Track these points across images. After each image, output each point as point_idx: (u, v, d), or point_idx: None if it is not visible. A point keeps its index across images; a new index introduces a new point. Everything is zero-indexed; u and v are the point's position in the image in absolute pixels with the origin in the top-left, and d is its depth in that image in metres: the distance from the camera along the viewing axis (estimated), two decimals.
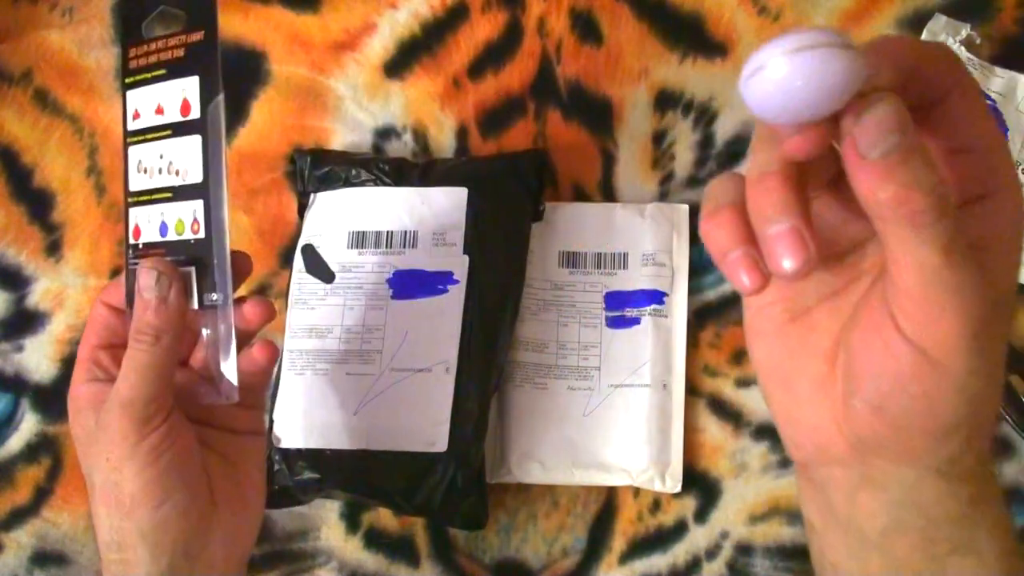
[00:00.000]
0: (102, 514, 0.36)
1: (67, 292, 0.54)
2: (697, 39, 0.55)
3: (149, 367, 0.36)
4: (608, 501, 0.50)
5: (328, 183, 0.52)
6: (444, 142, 0.55)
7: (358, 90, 0.55)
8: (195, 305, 0.37)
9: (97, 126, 0.56)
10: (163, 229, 0.38)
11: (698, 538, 0.49)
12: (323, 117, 0.55)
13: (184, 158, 0.37)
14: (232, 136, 0.55)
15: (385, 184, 0.51)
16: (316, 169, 0.52)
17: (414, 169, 0.51)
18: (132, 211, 0.39)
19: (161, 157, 0.38)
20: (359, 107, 0.55)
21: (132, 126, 0.39)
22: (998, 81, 0.51)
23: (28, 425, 0.52)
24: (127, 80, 0.39)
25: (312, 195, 0.52)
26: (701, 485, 0.50)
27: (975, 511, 0.26)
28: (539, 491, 0.50)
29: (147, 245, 0.38)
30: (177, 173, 0.38)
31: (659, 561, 0.49)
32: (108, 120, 0.56)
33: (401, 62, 0.55)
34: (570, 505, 0.50)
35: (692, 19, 0.55)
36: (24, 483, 0.52)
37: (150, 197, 0.38)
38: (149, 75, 0.38)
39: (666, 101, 0.54)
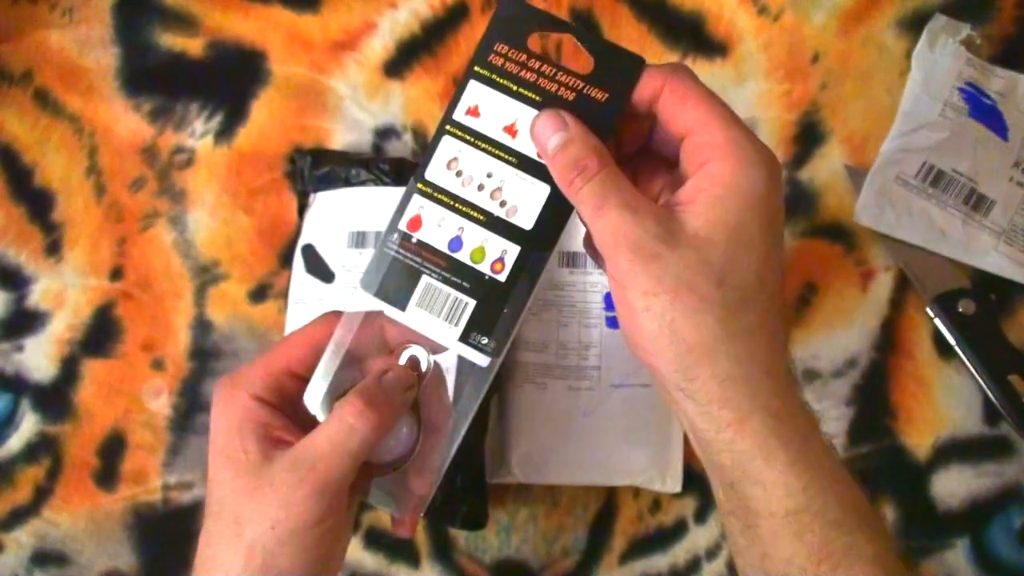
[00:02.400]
0: (229, 557, 0.34)
1: (67, 292, 0.54)
2: (697, 39, 0.55)
3: (359, 451, 0.33)
4: (608, 501, 0.50)
5: (328, 183, 0.52)
6: None
7: (358, 90, 0.55)
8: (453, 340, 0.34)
9: (97, 126, 0.56)
10: (455, 244, 0.35)
11: (698, 538, 0.49)
12: (323, 117, 0.55)
13: (520, 197, 0.34)
14: (232, 136, 0.55)
15: (385, 184, 0.51)
16: (316, 169, 0.52)
17: (414, 169, 0.51)
18: (419, 198, 0.35)
19: (489, 176, 0.34)
20: (359, 107, 0.55)
21: (463, 119, 0.35)
22: (998, 81, 0.51)
23: (28, 425, 0.52)
24: (479, 69, 0.35)
25: (312, 195, 0.52)
26: (701, 485, 0.50)
27: (740, 438, 0.31)
28: (539, 491, 0.50)
29: (423, 244, 0.35)
30: (502, 204, 0.34)
31: (659, 561, 0.49)
32: (108, 120, 0.56)
33: (401, 62, 0.55)
34: (570, 505, 0.50)
35: (692, 19, 0.55)
36: (24, 483, 0.52)
37: (452, 203, 0.35)
38: (515, 88, 0.34)
39: None
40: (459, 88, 0.35)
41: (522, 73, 0.34)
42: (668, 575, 0.49)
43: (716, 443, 0.32)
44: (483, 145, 0.34)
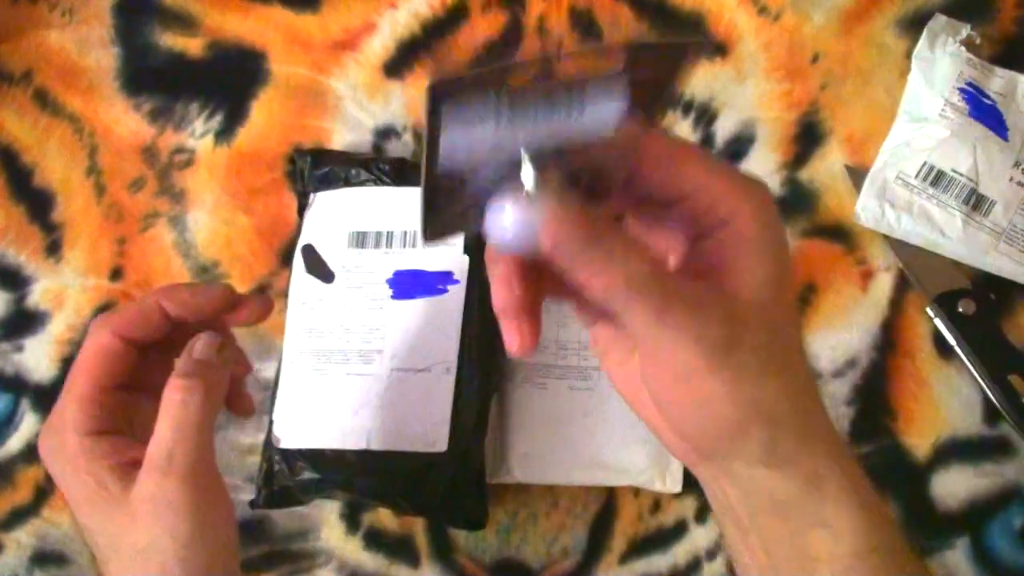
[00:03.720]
0: None
1: (67, 292, 0.54)
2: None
3: (202, 421, 0.34)
4: (608, 501, 0.50)
5: (328, 183, 0.52)
6: None
7: (358, 90, 0.55)
8: None
9: (97, 126, 0.56)
10: None
11: (698, 538, 0.49)
12: (323, 117, 0.55)
13: None
14: (232, 136, 0.55)
15: (385, 184, 0.51)
16: (316, 169, 0.52)
17: (414, 169, 0.51)
18: None
19: None
20: (359, 107, 0.55)
21: None
22: (998, 81, 0.51)
23: (28, 425, 0.52)
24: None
25: (312, 195, 0.52)
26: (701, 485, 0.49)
27: (816, 489, 0.29)
28: (539, 491, 0.50)
29: None
30: None
31: (659, 561, 0.49)
32: (108, 120, 0.56)
33: (401, 62, 0.55)
34: (570, 505, 0.50)
35: (692, 19, 0.55)
36: (24, 483, 0.52)
37: None
38: None
39: None
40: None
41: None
42: (668, 575, 0.49)
43: (788, 504, 0.29)
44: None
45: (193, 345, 0.36)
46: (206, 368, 0.35)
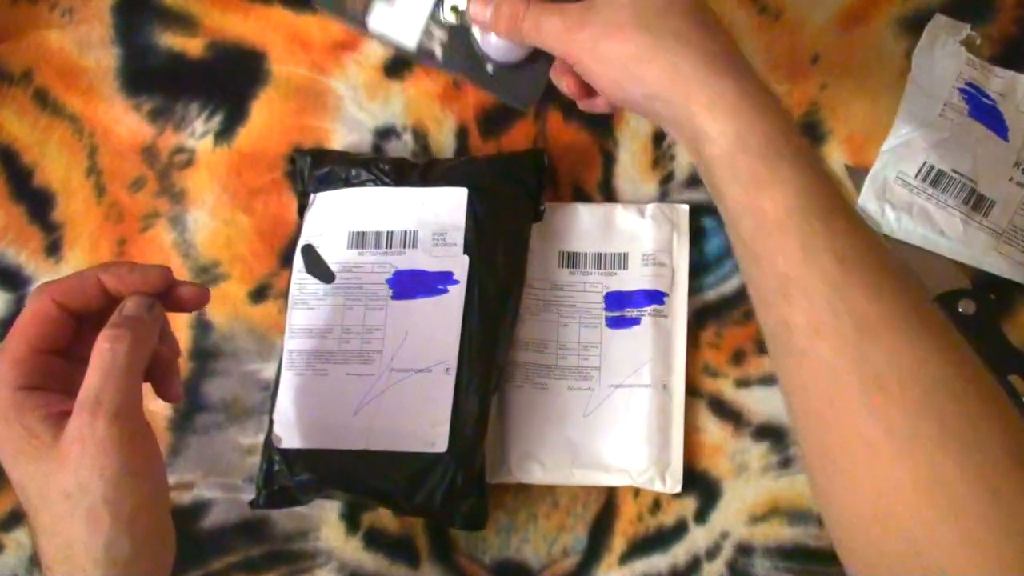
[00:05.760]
0: (82, 535, 0.34)
1: None
2: None
3: (130, 366, 0.35)
4: (608, 501, 0.50)
5: (328, 183, 0.52)
6: (444, 142, 0.55)
7: (358, 90, 0.55)
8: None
9: (97, 126, 0.56)
10: None
11: (698, 538, 0.49)
12: (323, 117, 0.55)
13: None
14: (232, 136, 0.55)
15: (385, 184, 0.51)
16: (316, 169, 0.52)
17: (414, 169, 0.51)
18: None
19: None
20: (359, 107, 0.55)
21: None
22: (998, 81, 0.51)
23: None
24: None
25: (312, 195, 0.52)
26: (701, 485, 0.50)
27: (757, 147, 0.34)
28: (539, 491, 0.50)
29: None
30: None
31: (659, 561, 0.49)
32: (108, 120, 0.56)
33: (401, 62, 0.55)
34: (570, 505, 0.50)
35: None
36: None
37: None
38: None
39: None
40: None
41: None
42: (668, 575, 0.49)
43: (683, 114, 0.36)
44: None
45: (124, 304, 0.38)
46: (134, 321, 0.37)
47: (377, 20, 0.45)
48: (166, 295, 0.40)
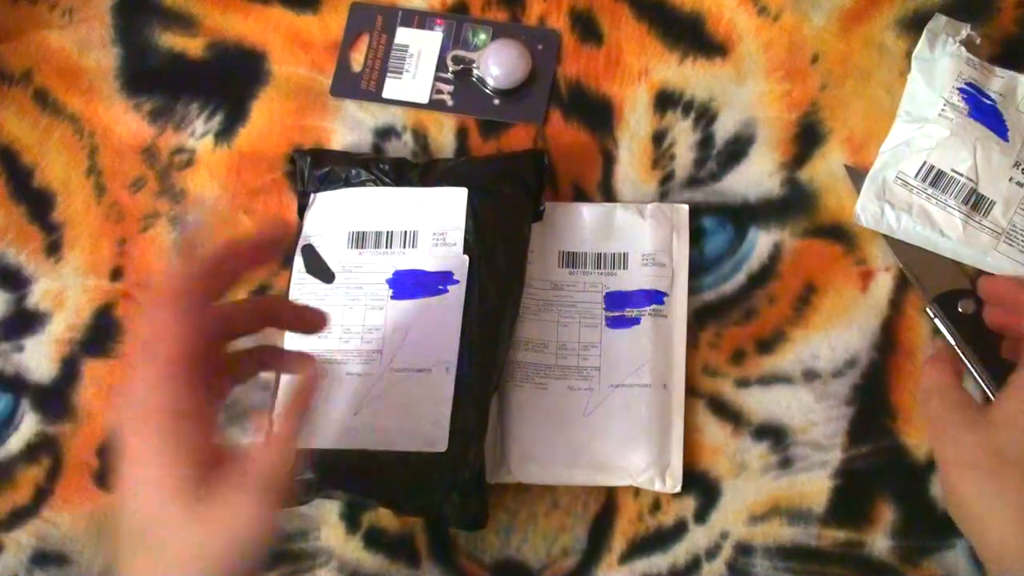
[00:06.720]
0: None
1: (67, 292, 0.54)
2: (697, 39, 0.55)
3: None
4: (608, 501, 0.50)
5: (328, 183, 0.52)
6: (444, 142, 0.55)
7: None
8: None
9: (97, 126, 0.56)
10: None
11: (698, 538, 0.49)
12: (323, 117, 0.55)
13: None
14: (232, 136, 0.55)
15: (385, 184, 0.51)
16: (316, 169, 0.52)
17: (414, 169, 0.51)
18: None
19: None
20: (359, 107, 0.55)
21: None
22: (998, 81, 0.51)
23: (28, 425, 0.52)
24: None
25: (312, 195, 0.52)
26: (701, 485, 0.50)
27: None
28: (539, 491, 0.50)
29: None
30: None
31: (659, 561, 0.49)
32: (108, 120, 0.56)
33: None
34: (570, 505, 0.50)
35: (692, 19, 0.55)
36: (24, 483, 0.52)
37: None
38: None
39: (666, 101, 0.54)
40: None
41: None
42: (668, 575, 0.49)
43: None
44: None
45: (299, 387, 0.39)
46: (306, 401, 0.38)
47: (390, 92, 0.54)
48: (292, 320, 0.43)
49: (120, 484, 0.35)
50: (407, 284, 0.49)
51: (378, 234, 0.50)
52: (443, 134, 0.55)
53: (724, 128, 0.54)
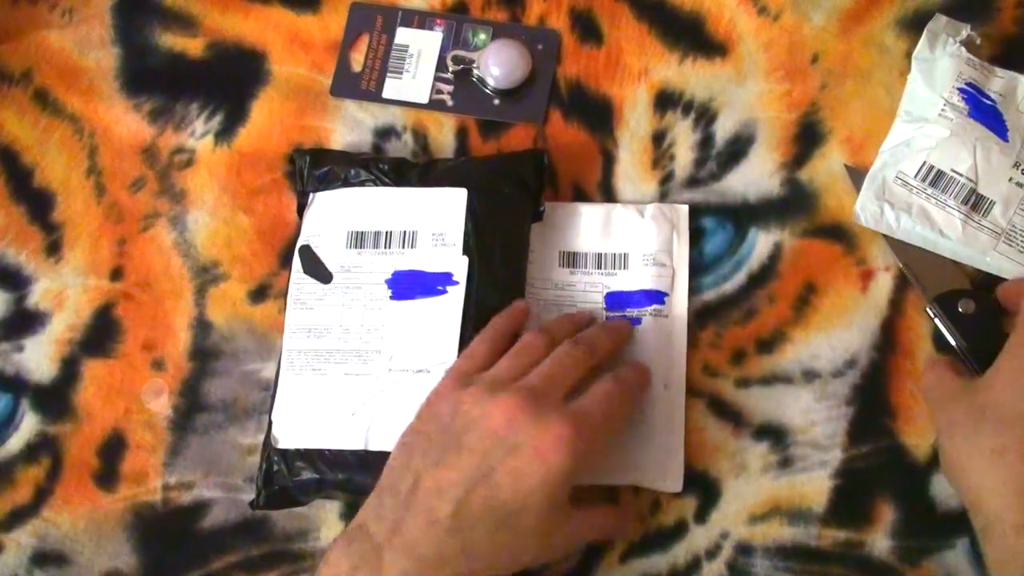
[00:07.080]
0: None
1: (67, 292, 0.54)
2: (697, 39, 0.55)
3: None
4: (608, 501, 0.50)
5: (327, 183, 0.52)
6: (444, 142, 0.55)
7: None
8: None
9: (97, 126, 0.56)
10: None
11: (698, 538, 0.49)
12: (323, 117, 0.55)
13: None
14: (232, 136, 0.55)
15: (385, 184, 0.51)
16: (315, 169, 0.52)
17: (414, 169, 0.51)
18: None
19: None
20: (359, 107, 0.55)
21: None
22: (998, 81, 0.51)
23: (28, 425, 0.52)
24: None
25: (311, 195, 0.52)
26: (701, 485, 0.50)
27: None
28: None
29: None
30: None
31: (659, 561, 0.49)
32: (108, 120, 0.56)
33: None
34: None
35: (692, 19, 0.55)
36: (24, 483, 0.52)
37: None
38: None
39: (666, 101, 0.54)
40: None
41: None
42: (668, 575, 0.49)
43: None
44: None
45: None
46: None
47: (390, 92, 0.54)
48: None
49: None
50: (406, 284, 0.49)
51: (377, 234, 0.50)
52: (443, 134, 0.55)
53: (724, 128, 0.54)
